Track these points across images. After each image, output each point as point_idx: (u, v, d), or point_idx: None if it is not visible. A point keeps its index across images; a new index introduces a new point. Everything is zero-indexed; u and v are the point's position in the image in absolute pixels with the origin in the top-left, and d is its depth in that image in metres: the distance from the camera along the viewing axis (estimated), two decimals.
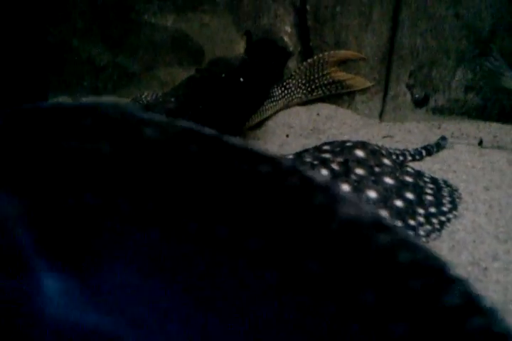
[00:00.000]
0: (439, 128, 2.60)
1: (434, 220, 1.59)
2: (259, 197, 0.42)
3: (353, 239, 0.40)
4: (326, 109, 2.81)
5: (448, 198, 1.69)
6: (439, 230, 1.56)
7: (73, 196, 0.46)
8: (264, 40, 2.39)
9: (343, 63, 2.75)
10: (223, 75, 1.61)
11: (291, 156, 1.90)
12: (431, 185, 1.77)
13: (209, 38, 2.84)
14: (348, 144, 1.94)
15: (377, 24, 2.67)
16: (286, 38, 2.75)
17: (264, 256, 0.43)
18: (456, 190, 1.75)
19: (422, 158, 2.09)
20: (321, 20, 2.74)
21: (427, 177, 1.86)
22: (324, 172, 1.69)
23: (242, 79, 1.64)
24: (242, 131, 2.27)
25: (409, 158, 2.04)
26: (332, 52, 2.69)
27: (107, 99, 2.82)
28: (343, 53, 2.70)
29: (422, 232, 1.53)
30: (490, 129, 2.54)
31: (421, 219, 1.59)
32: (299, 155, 1.90)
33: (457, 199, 1.70)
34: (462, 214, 1.62)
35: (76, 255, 0.47)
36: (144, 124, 0.45)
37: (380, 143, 2.26)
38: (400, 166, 1.92)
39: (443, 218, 1.62)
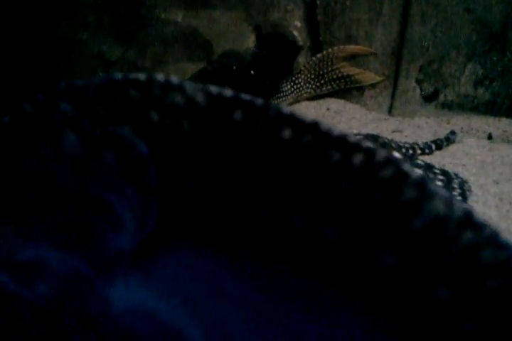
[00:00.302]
0: (449, 123, 2.59)
1: None
2: (345, 188, 0.42)
3: (436, 237, 0.40)
4: (335, 103, 2.82)
5: (458, 190, 1.69)
6: None
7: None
8: (275, 34, 2.40)
9: (353, 58, 2.75)
10: (234, 68, 1.62)
11: None
12: (441, 177, 1.77)
13: (219, 33, 2.84)
14: (358, 137, 1.94)
15: (388, 19, 2.67)
16: (296, 33, 2.75)
17: (341, 247, 0.43)
18: (467, 182, 1.75)
19: (431, 151, 2.09)
20: (330, 14, 2.74)
21: (437, 170, 1.86)
22: None
23: (252, 72, 1.65)
24: None
25: (419, 151, 2.04)
26: (341, 47, 2.69)
27: None
28: (352, 48, 2.69)
29: None
30: (499, 124, 2.53)
31: None
32: None
33: (467, 192, 1.70)
34: (472, 207, 1.62)
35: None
36: (236, 108, 0.44)
37: (389, 138, 2.26)
38: (410, 159, 1.92)
39: None
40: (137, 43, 2.82)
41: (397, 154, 1.91)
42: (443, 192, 0.41)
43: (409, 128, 2.51)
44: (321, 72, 2.72)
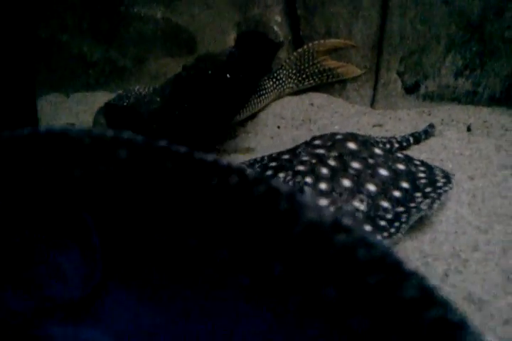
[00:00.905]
0: (430, 114, 2.61)
1: (432, 194, 1.62)
2: (228, 207, 0.46)
3: (315, 240, 0.45)
4: (318, 98, 2.83)
5: (442, 180, 1.72)
6: (439, 198, 1.59)
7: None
8: (253, 32, 2.40)
9: (334, 51, 2.75)
10: (210, 72, 1.63)
11: (286, 156, 1.88)
12: (422, 168, 1.81)
13: (199, 30, 2.84)
14: (339, 137, 1.95)
15: (367, 12, 2.66)
16: (276, 28, 2.76)
17: (234, 263, 0.47)
18: (446, 172, 1.77)
19: (409, 145, 2.12)
20: (310, 9, 2.73)
21: (417, 161, 1.89)
22: (324, 170, 1.70)
23: (228, 76, 1.66)
24: (231, 125, 2.30)
25: (396, 145, 2.06)
26: (322, 41, 2.70)
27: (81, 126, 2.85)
28: (332, 42, 2.70)
29: (424, 207, 1.55)
30: (480, 114, 2.55)
31: (419, 199, 1.62)
32: (294, 153, 1.91)
33: (452, 180, 1.73)
34: (445, 205, 1.65)
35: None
36: (118, 146, 0.48)
37: (370, 132, 2.28)
38: (390, 153, 1.94)
39: (440, 191, 1.64)
40: (117, 43, 2.81)
41: (377, 150, 1.94)
42: (312, 202, 0.46)
43: (391, 121, 2.53)
44: (303, 67, 2.73)
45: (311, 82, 2.78)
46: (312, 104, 2.75)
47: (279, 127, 2.52)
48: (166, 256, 0.49)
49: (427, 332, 0.43)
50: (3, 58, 1.87)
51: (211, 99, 1.62)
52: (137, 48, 2.84)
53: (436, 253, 1.43)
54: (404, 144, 2.10)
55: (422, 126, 2.35)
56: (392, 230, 1.47)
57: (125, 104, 2.10)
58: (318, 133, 2.06)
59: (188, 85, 1.60)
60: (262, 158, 2.00)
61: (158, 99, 1.53)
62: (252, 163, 1.94)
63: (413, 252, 1.44)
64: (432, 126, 2.26)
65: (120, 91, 2.35)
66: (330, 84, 2.83)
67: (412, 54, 2.66)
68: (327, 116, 2.63)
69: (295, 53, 2.71)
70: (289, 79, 2.73)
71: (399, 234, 1.45)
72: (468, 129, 2.38)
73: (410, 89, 2.72)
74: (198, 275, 0.48)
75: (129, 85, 2.70)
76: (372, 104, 2.79)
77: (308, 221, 0.45)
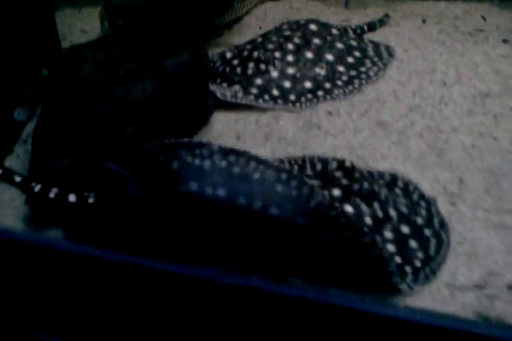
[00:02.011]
0: (395, 10, 2.93)
1: (379, 63, 2.09)
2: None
3: (321, 209, 1.02)
4: (297, 2, 3.18)
5: (385, 52, 2.17)
6: (384, 69, 2.09)
7: None
8: None
9: None
10: None
11: (260, 39, 2.31)
12: (370, 44, 2.25)
13: None
14: (302, 22, 2.39)
15: None
16: None
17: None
18: (389, 46, 2.24)
19: (363, 32, 2.49)
20: None
21: (367, 39, 2.32)
22: (290, 46, 2.16)
23: None
24: (217, 27, 2.73)
25: (351, 32, 2.44)
26: None
27: None
28: None
29: (372, 73, 2.05)
30: (438, 7, 2.87)
31: (369, 65, 2.09)
32: (266, 37, 2.33)
33: (392, 52, 2.19)
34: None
35: None
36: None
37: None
38: (345, 35, 2.36)
39: (385, 61, 2.12)
40: None
41: (334, 30, 2.36)
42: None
43: (357, 17, 2.89)
44: None
45: None
46: (291, 8, 3.11)
47: (260, 28, 2.91)
48: None
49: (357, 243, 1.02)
50: None
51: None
52: None
53: (362, 99, 1.90)
54: (358, 31, 2.48)
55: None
56: (347, 90, 1.95)
57: None
58: None
59: None
60: (243, 44, 2.44)
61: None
62: (233, 50, 2.37)
63: (345, 102, 1.91)
64: (386, 15, 2.63)
65: None
66: None
67: None
68: (303, 16, 2.99)
69: None
70: None
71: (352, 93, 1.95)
72: (424, 21, 2.72)
73: None
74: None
75: None
76: (346, 4, 3.14)
77: (317, 200, 1.01)
